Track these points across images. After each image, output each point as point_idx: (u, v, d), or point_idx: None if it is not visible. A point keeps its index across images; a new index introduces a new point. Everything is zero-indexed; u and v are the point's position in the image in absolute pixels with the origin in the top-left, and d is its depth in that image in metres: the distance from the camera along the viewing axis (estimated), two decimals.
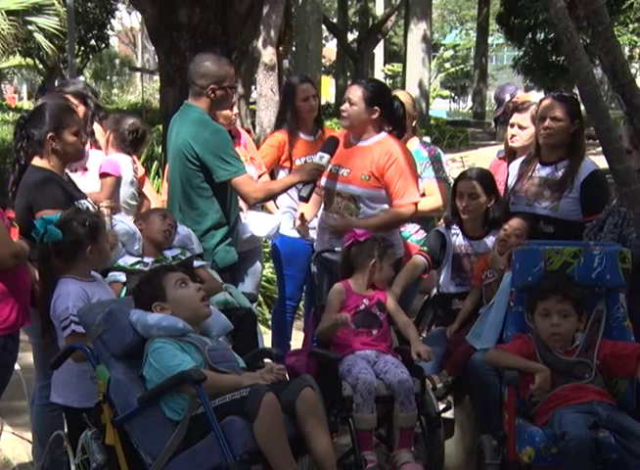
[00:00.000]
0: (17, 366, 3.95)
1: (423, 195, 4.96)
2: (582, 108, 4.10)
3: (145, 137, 5.22)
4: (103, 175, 4.84)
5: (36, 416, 4.00)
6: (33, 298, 3.71)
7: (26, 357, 4.38)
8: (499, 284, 3.96)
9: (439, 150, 5.38)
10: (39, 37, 16.46)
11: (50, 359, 3.46)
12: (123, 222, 4.19)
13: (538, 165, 4.41)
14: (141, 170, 5.29)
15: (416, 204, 4.51)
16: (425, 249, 4.59)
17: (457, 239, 4.51)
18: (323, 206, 4.71)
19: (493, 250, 4.30)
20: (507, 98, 5.94)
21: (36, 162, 3.94)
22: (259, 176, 5.10)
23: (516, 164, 4.64)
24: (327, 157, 4.43)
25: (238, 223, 4.65)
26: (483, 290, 4.32)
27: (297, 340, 5.59)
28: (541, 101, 4.57)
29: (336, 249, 4.43)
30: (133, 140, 5.07)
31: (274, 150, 5.33)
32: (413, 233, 5.13)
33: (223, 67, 4.40)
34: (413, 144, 5.12)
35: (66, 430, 3.64)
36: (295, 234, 5.15)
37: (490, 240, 4.44)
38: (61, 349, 3.48)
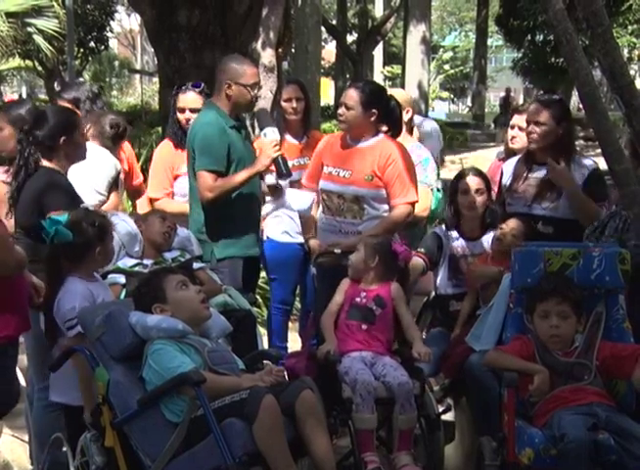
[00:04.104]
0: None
1: None
2: (583, 109, 4.11)
3: (125, 133, 5.25)
4: None
5: (36, 417, 3.99)
6: (30, 302, 3.70)
7: (25, 360, 4.37)
8: (498, 285, 3.97)
9: (428, 155, 5.38)
10: (38, 39, 16.41)
11: (48, 361, 3.45)
12: (125, 222, 4.16)
13: (534, 166, 4.43)
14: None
15: (413, 203, 4.53)
16: (422, 250, 4.59)
17: (454, 240, 4.51)
18: (323, 208, 4.69)
19: (475, 266, 4.34)
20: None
21: (46, 164, 3.96)
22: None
23: (510, 162, 4.66)
24: (275, 129, 4.55)
25: (246, 219, 4.60)
26: (480, 292, 4.33)
27: (293, 342, 5.59)
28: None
29: (335, 251, 4.43)
30: (114, 135, 5.12)
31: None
32: None
33: (243, 65, 4.52)
34: (405, 144, 5.04)
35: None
36: (284, 238, 5.17)
37: (487, 241, 4.45)
38: (60, 348, 3.47)
